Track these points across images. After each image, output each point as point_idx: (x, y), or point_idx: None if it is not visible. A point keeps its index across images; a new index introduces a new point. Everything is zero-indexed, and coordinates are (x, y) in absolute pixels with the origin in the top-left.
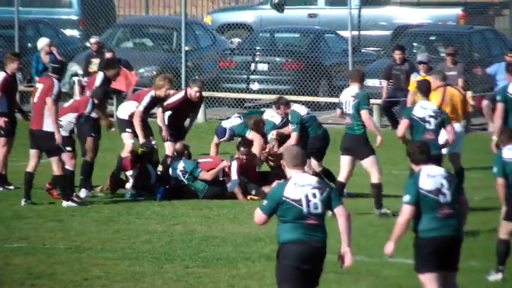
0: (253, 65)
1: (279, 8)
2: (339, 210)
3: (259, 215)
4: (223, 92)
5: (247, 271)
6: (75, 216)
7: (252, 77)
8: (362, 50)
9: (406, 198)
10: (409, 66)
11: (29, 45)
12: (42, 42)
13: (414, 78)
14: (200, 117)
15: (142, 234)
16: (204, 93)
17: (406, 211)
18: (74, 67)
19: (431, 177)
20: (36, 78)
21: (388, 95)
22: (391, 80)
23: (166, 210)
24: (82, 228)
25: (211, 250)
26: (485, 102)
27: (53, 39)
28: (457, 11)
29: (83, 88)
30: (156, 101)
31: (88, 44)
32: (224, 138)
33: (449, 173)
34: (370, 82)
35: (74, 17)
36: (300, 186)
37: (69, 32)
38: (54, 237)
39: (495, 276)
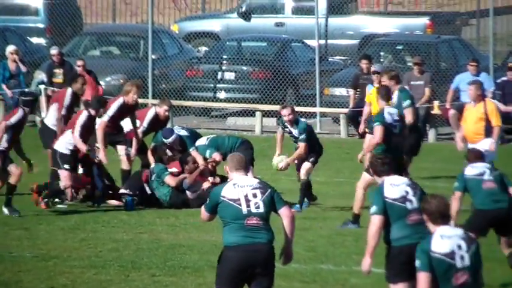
0: (220, 73)
1: (246, 16)
2: (284, 211)
3: (203, 212)
4: (190, 100)
5: (213, 279)
6: (42, 225)
7: (218, 85)
8: (329, 59)
9: (373, 209)
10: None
11: None
12: (9, 50)
13: (369, 90)
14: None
15: (108, 242)
16: (171, 101)
17: (375, 221)
18: (41, 75)
19: (395, 186)
20: (3, 86)
21: (355, 104)
22: (358, 89)
23: (133, 219)
24: (48, 237)
25: (177, 258)
26: (451, 112)
27: (19, 47)
28: (424, 20)
29: (48, 97)
30: (124, 109)
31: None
32: (169, 140)
33: (413, 181)
34: (337, 91)
35: (41, 25)
36: (240, 186)
37: (35, 40)
38: (20, 245)
39: None
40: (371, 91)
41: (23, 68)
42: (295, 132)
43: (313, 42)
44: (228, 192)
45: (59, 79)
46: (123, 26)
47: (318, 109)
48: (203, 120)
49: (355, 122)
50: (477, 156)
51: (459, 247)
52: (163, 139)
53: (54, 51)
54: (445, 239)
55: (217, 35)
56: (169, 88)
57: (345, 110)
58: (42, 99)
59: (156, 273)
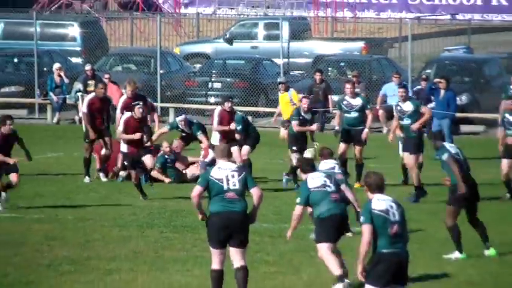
0: (210, 84)
1: (230, 42)
2: (254, 190)
3: (196, 188)
4: (188, 103)
5: (206, 235)
6: (79, 195)
7: (209, 92)
8: (290, 73)
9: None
10: (325, 85)
11: (45, 69)
12: (55, 67)
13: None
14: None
15: (129, 208)
16: (174, 105)
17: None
18: (78, 85)
19: (382, 200)
20: (51, 93)
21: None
22: (312, 95)
23: (147, 191)
24: (85, 204)
25: (180, 220)
26: (380, 112)
27: (62, 64)
28: (360, 44)
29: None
30: (127, 101)
31: (87, 68)
32: (179, 118)
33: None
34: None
35: (78, 48)
36: (223, 169)
37: (74, 59)
38: (64, 211)
39: None
40: (280, 97)
41: (65, 80)
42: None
43: (279, 61)
44: (215, 173)
45: (91, 88)
46: (138, 49)
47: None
48: (198, 118)
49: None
50: (329, 153)
51: (391, 207)
52: (176, 118)
53: (87, 67)
54: (381, 201)
55: (208, 55)
56: (172, 95)
57: None
58: (80, 103)
59: (164, 231)
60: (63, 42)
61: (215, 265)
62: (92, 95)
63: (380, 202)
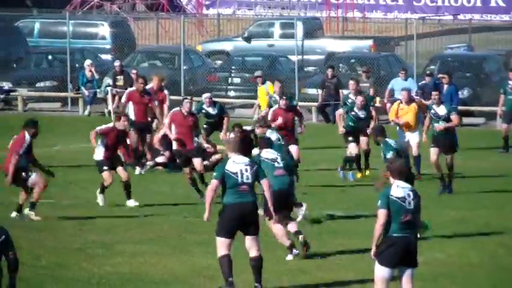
0: (230, 79)
1: (248, 40)
2: (264, 182)
3: (213, 182)
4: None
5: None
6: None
7: (229, 87)
8: (304, 69)
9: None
10: (337, 80)
11: (77, 65)
12: (86, 63)
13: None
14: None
15: (155, 194)
16: (196, 98)
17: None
18: (108, 80)
19: (401, 187)
20: (82, 88)
21: (323, 99)
22: (324, 89)
23: (172, 178)
24: (113, 191)
25: (203, 206)
26: (388, 105)
27: (93, 61)
28: (369, 42)
29: (114, 96)
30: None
31: (116, 64)
32: (205, 95)
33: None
34: (310, 91)
35: (108, 46)
36: (237, 163)
37: (104, 56)
38: (95, 197)
39: None
40: (259, 89)
41: (96, 75)
42: None
43: (293, 58)
44: (230, 167)
45: (120, 83)
46: (164, 46)
47: (297, 103)
48: None
49: (322, 112)
50: (267, 143)
51: (409, 195)
52: (203, 96)
53: (116, 63)
54: (400, 188)
55: (228, 52)
56: (195, 89)
57: (316, 104)
58: (109, 97)
59: (187, 216)
60: (93, 41)
61: (224, 251)
62: (133, 88)
63: (399, 189)
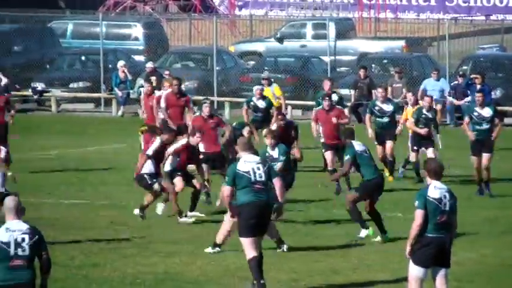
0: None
1: (280, 41)
2: (275, 181)
3: (225, 188)
4: (242, 98)
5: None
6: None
7: None
8: (337, 69)
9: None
10: (369, 80)
11: (110, 66)
12: (119, 64)
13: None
14: (226, 115)
15: (190, 195)
16: (229, 99)
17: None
18: (141, 81)
19: (438, 188)
20: (115, 89)
21: (355, 99)
22: (356, 89)
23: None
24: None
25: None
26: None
27: (126, 62)
28: (401, 42)
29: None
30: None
31: (148, 65)
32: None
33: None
34: (343, 91)
35: (140, 47)
36: (248, 162)
37: (137, 57)
38: (128, 197)
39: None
40: (265, 91)
41: (129, 76)
42: None
43: (326, 58)
44: (241, 166)
45: (153, 84)
46: (196, 47)
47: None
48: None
49: (355, 112)
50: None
51: (445, 197)
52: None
53: (149, 64)
54: (437, 189)
55: (261, 53)
56: (228, 90)
57: (349, 104)
58: (142, 98)
59: (222, 218)
60: (126, 42)
61: (252, 253)
62: (168, 90)
63: (436, 190)
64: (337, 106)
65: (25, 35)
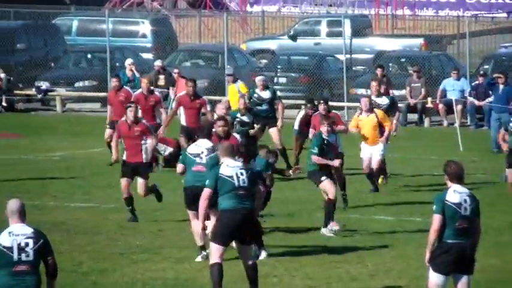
0: (275, 78)
1: (294, 38)
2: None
3: (205, 190)
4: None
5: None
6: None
7: (275, 87)
8: (353, 68)
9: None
10: (386, 79)
11: (117, 64)
12: (127, 62)
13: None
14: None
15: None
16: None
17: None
18: None
19: (457, 192)
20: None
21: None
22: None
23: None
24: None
25: None
26: (440, 106)
27: (134, 60)
28: (420, 40)
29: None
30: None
31: (157, 64)
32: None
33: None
34: (359, 91)
35: (148, 45)
36: (231, 167)
37: (145, 55)
38: (138, 201)
39: None
40: (229, 88)
41: (137, 75)
42: None
43: (341, 57)
44: (224, 170)
45: (161, 83)
46: (206, 45)
47: (345, 104)
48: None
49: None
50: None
51: (465, 201)
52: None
53: (158, 62)
54: (457, 193)
55: (273, 51)
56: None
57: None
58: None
59: None
60: (134, 39)
61: (217, 259)
62: (183, 92)
63: (455, 195)
64: (334, 111)
65: (29, 32)
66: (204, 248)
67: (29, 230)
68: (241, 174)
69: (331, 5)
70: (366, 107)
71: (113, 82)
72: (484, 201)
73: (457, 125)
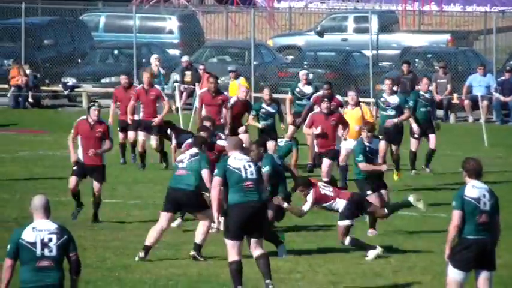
0: None
1: (321, 34)
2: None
3: (215, 178)
4: (281, 93)
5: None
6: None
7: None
8: (379, 64)
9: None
10: (412, 75)
11: (143, 60)
12: (153, 58)
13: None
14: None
15: None
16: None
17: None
18: (175, 76)
19: (476, 188)
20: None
21: None
22: (400, 86)
23: None
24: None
25: None
26: (466, 102)
27: (160, 56)
28: (447, 36)
29: (181, 92)
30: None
31: (184, 60)
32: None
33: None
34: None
35: (175, 41)
36: (238, 159)
37: (171, 51)
38: (161, 197)
39: None
40: (231, 84)
41: (163, 71)
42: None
43: (367, 53)
44: (232, 162)
45: (188, 79)
46: (233, 41)
47: (371, 99)
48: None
49: None
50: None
51: (484, 196)
52: None
53: (184, 58)
54: (475, 188)
55: (300, 47)
56: (266, 85)
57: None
58: (177, 93)
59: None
60: (161, 35)
61: (235, 256)
62: (204, 89)
63: (474, 190)
64: (338, 109)
65: (56, 28)
66: (149, 249)
67: (53, 226)
68: (249, 166)
69: (358, 1)
70: (353, 100)
71: (122, 79)
72: (505, 198)
73: (482, 120)
